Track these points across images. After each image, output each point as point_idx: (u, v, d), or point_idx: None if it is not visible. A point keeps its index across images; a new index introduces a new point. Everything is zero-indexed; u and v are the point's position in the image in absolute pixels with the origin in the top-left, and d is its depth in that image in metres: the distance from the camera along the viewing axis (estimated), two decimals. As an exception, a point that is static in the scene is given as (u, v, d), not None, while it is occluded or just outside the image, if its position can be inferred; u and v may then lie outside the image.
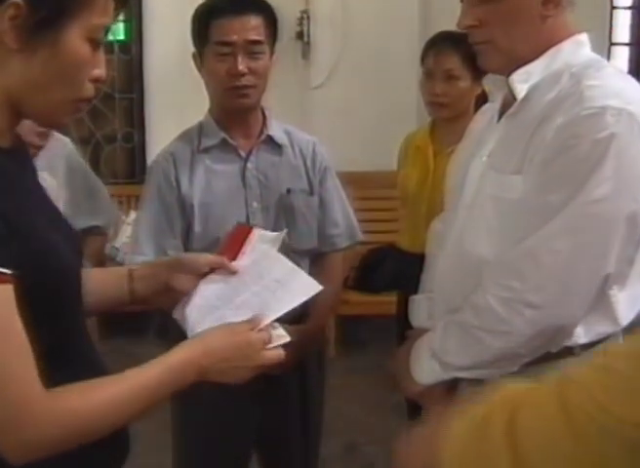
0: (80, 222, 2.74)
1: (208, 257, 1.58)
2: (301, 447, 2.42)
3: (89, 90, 1.24)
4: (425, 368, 1.76)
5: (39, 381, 1.11)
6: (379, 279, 4.30)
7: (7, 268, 1.09)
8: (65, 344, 1.26)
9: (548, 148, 1.56)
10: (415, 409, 2.14)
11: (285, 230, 1.76)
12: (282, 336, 1.47)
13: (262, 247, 1.67)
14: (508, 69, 1.70)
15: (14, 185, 1.19)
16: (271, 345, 1.43)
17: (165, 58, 5.23)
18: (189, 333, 1.48)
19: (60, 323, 1.23)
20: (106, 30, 1.24)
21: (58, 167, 2.71)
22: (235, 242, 1.67)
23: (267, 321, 1.45)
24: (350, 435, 3.85)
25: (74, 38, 1.18)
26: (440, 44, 2.86)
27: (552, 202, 1.55)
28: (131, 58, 5.36)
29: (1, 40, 1.14)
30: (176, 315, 1.54)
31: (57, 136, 2.77)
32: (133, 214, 4.35)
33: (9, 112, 1.21)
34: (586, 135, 1.48)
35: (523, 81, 1.66)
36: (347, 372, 4.37)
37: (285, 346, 2.17)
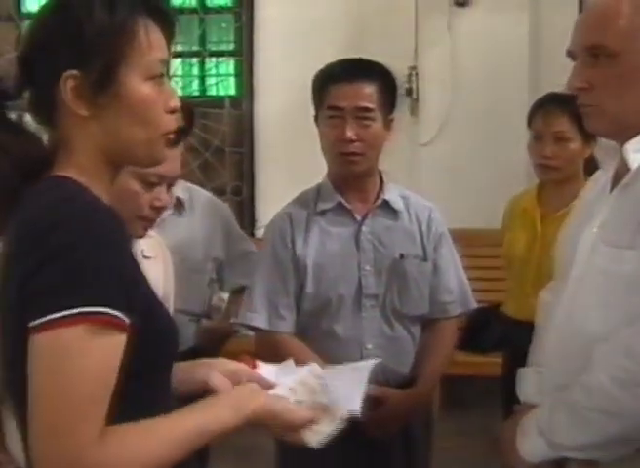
0: (233, 282, 2.82)
1: (246, 368, 1.54)
2: None
3: (170, 122, 1.28)
4: (533, 445, 1.72)
5: (99, 429, 1.11)
6: (486, 339, 4.24)
7: (128, 316, 1.13)
8: (154, 398, 1.27)
9: None
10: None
11: (291, 362, 1.69)
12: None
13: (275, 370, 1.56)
14: (614, 135, 1.68)
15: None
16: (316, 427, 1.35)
17: (275, 114, 5.33)
18: None
19: (157, 378, 1.26)
20: (165, 63, 1.28)
21: (214, 225, 2.78)
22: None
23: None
24: (455, 498, 3.78)
25: (133, 82, 1.23)
26: (549, 105, 2.82)
27: None
28: (241, 113, 5.47)
29: (72, 111, 1.22)
30: None
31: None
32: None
33: (107, 167, 1.27)
34: None
35: (636, 151, 1.62)
36: (452, 435, 4.28)
37: (392, 410, 2.17)
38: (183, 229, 2.60)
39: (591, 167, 2.69)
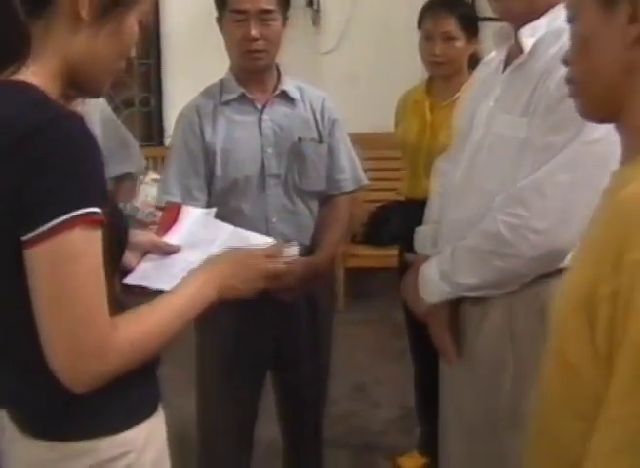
0: (115, 169, 2.97)
1: (151, 237, 1.74)
2: (312, 371, 2.66)
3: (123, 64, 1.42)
4: (434, 288, 1.96)
5: (109, 318, 1.23)
6: (386, 233, 4.54)
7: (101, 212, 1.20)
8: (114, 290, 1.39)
9: (552, 97, 1.76)
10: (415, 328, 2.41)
11: (214, 209, 1.95)
12: (290, 251, 1.66)
13: (197, 218, 1.80)
14: (523, 21, 1.89)
15: None
16: (275, 259, 1.59)
17: (180, 25, 5.44)
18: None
19: (114, 268, 1.38)
20: None
21: (94, 118, 2.92)
22: (168, 219, 1.80)
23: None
24: (358, 377, 4.11)
25: (133, 19, 1.34)
26: (437, 8, 3.06)
27: (555, 142, 1.77)
28: (148, 25, 5.54)
29: (77, 11, 1.27)
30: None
31: None
32: (152, 175, 4.59)
33: (64, 81, 1.31)
34: None
35: (529, 35, 1.87)
36: (355, 323, 4.60)
37: (296, 276, 2.42)
38: None
39: (474, 62, 2.98)
